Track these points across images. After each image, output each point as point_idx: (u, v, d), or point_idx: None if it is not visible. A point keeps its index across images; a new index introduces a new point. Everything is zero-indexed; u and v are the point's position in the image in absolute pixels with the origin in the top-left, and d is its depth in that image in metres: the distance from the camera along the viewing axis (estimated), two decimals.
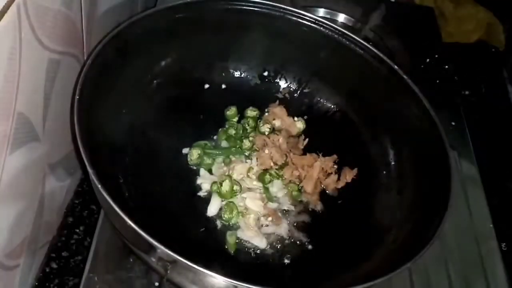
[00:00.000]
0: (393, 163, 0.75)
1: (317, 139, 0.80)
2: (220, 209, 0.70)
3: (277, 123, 0.80)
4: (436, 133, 0.69)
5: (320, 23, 0.78)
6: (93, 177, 0.54)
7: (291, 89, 0.84)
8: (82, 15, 0.67)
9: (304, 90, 0.84)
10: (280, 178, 0.74)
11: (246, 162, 0.75)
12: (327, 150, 0.77)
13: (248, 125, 0.79)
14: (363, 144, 0.79)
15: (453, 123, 0.92)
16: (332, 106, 0.83)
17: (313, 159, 0.75)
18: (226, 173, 0.72)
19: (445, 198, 0.63)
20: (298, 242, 0.69)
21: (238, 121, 0.80)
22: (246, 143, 0.76)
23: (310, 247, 0.69)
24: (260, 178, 0.73)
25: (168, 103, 0.76)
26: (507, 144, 1.05)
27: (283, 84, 0.84)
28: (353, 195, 0.75)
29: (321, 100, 0.83)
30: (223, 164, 0.74)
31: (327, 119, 0.82)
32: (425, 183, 0.69)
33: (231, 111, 0.80)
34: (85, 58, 0.71)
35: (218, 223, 0.69)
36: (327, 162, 0.75)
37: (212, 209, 0.70)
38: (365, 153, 0.78)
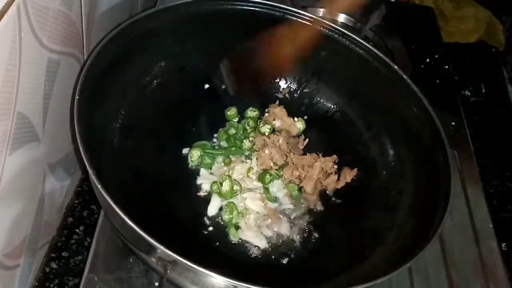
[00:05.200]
0: (393, 163, 0.75)
1: (317, 139, 0.80)
2: (220, 209, 0.70)
3: (277, 123, 0.79)
4: (436, 133, 0.69)
5: (320, 23, 0.78)
6: (93, 177, 0.54)
7: (291, 89, 0.84)
8: (82, 15, 0.67)
9: (304, 90, 0.84)
10: (280, 178, 0.74)
11: (246, 162, 0.75)
12: (327, 150, 0.77)
13: (248, 125, 0.79)
14: (363, 144, 0.79)
15: (453, 123, 0.92)
16: (332, 106, 0.83)
17: (313, 159, 0.75)
18: (226, 173, 0.72)
19: (445, 198, 0.63)
20: (298, 242, 0.69)
21: (238, 122, 0.80)
22: (246, 143, 0.76)
23: (310, 247, 0.69)
24: (260, 178, 0.73)
25: (168, 103, 0.76)
26: (507, 144, 1.05)
27: (283, 84, 0.84)
28: (353, 195, 0.75)
29: (321, 100, 0.83)
30: (223, 164, 0.74)
31: (327, 119, 0.82)
32: (425, 183, 0.69)
33: (232, 111, 0.80)
34: (85, 58, 0.71)
35: (218, 223, 0.69)
36: (327, 162, 0.75)
37: (212, 209, 0.70)
38: (365, 153, 0.78)
